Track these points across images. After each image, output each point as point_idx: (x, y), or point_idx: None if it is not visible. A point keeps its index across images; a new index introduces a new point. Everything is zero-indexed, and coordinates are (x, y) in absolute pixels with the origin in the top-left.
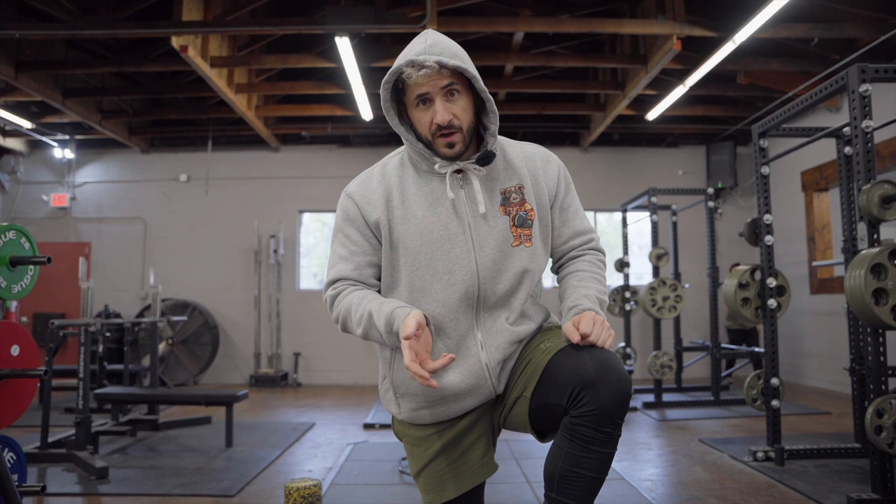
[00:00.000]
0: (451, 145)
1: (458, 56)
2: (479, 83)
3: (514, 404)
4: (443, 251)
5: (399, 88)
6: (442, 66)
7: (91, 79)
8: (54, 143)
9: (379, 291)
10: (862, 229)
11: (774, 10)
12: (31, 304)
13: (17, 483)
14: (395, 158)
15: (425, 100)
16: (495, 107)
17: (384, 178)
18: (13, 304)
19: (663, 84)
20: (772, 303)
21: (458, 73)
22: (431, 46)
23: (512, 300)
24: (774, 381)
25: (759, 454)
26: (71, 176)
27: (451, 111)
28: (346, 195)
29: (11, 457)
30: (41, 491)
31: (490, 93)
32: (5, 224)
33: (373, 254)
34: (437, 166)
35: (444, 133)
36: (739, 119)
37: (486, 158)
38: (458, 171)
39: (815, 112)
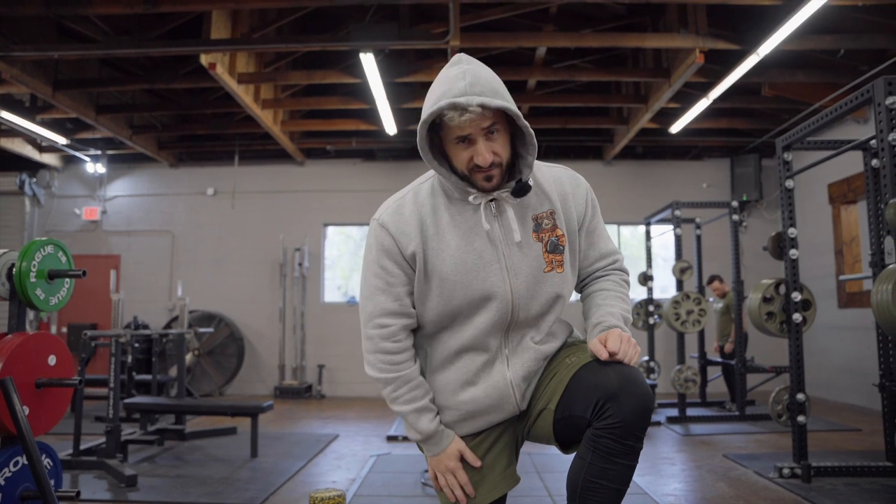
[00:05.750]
0: (489, 179)
1: (498, 92)
2: (522, 120)
3: (539, 416)
4: (479, 280)
5: (436, 123)
6: (485, 107)
7: (123, 95)
8: (87, 158)
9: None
10: (889, 243)
11: (798, 23)
12: (67, 315)
13: (53, 488)
14: (426, 185)
15: (465, 139)
16: (535, 139)
17: (417, 206)
18: (46, 316)
19: (686, 97)
20: (797, 317)
21: (500, 111)
22: (472, 85)
23: (541, 322)
24: (800, 396)
25: (785, 470)
26: (102, 190)
27: (492, 150)
28: (380, 225)
29: (48, 463)
30: (76, 497)
31: None
32: (44, 239)
33: (409, 283)
34: (471, 198)
35: (483, 170)
36: (764, 131)
37: (522, 191)
38: (492, 200)
39: (843, 123)
